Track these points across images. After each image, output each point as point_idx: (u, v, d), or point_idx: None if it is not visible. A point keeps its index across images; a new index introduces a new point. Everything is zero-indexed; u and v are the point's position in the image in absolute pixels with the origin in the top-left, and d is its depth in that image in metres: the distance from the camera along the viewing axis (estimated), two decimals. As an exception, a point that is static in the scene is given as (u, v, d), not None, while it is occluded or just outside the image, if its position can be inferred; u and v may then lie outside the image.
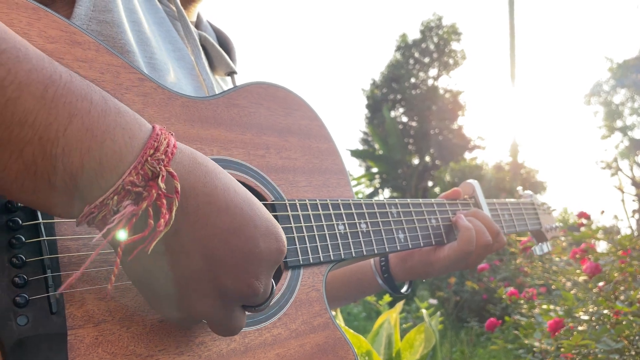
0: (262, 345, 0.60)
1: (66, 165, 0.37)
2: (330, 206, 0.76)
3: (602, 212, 2.75)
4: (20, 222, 0.45)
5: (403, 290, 1.03)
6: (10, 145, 0.36)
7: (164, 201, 0.40)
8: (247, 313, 0.55)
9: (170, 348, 0.52)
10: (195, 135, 0.64)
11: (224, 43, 0.95)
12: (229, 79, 0.93)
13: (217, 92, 0.80)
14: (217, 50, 0.87)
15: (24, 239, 0.45)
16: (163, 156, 0.41)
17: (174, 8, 0.80)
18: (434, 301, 4.33)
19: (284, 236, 0.49)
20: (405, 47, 17.10)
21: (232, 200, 0.45)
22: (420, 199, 0.96)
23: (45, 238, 0.46)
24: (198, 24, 0.91)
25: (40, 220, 0.46)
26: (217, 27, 0.96)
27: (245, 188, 0.48)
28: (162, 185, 0.40)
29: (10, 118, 0.35)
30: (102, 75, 0.57)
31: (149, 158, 0.40)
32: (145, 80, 0.61)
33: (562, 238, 2.18)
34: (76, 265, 0.48)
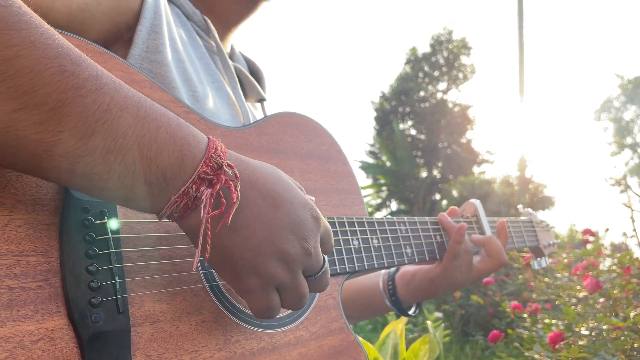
0: (286, 345, 0.68)
1: (158, 164, 0.49)
2: (346, 224, 0.85)
3: (607, 229, 2.79)
4: (95, 236, 0.54)
5: (410, 312, 1.10)
6: (116, 151, 0.47)
7: (231, 183, 0.53)
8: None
9: (211, 345, 0.61)
10: (231, 161, 0.73)
11: (255, 72, 1.05)
12: (259, 104, 1.03)
13: (251, 118, 0.90)
14: (249, 80, 0.97)
15: (97, 251, 0.54)
16: (221, 153, 0.53)
17: (213, 44, 0.90)
18: (439, 314, 4.38)
19: (316, 207, 0.61)
20: (415, 61, 17.22)
21: (270, 186, 0.57)
22: (427, 217, 1.05)
23: (113, 250, 0.55)
24: (232, 55, 1.00)
25: (110, 236, 0.56)
26: (248, 58, 1.06)
27: (282, 175, 0.60)
28: (227, 170, 0.53)
29: (116, 131, 0.47)
30: (154, 109, 0.66)
31: (212, 154, 0.52)
32: (190, 113, 0.70)
33: (564, 255, 2.25)
34: (136, 273, 0.57)
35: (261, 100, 1.01)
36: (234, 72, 0.91)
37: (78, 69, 0.45)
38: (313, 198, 0.66)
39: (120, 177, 0.48)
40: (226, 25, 0.94)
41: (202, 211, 0.51)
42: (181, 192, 0.51)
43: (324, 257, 0.62)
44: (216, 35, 0.89)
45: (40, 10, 0.58)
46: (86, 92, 0.45)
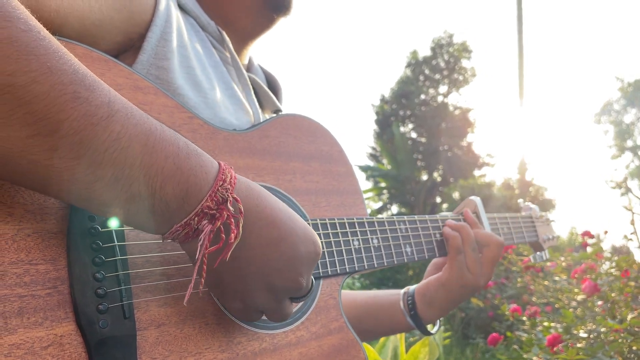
0: (287, 345, 0.70)
1: (162, 195, 0.50)
2: (346, 224, 0.86)
3: (606, 232, 2.80)
4: (101, 244, 0.56)
5: (431, 329, 1.05)
6: (123, 180, 0.48)
7: (232, 220, 0.53)
8: (293, 305, 0.67)
9: (214, 347, 0.62)
10: (234, 165, 0.75)
11: (273, 85, 1.05)
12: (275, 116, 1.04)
13: None
14: (264, 91, 0.98)
15: (104, 258, 0.55)
16: (229, 186, 0.53)
17: (228, 55, 0.90)
18: (439, 317, 4.38)
19: (319, 241, 0.62)
20: (415, 64, 17.22)
21: (277, 216, 0.57)
22: (427, 215, 1.04)
23: (119, 257, 0.57)
24: (249, 67, 1.00)
25: (116, 243, 0.57)
26: (267, 71, 1.06)
27: (286, 206, 0.61)
28: (230, 207, 0.53)
29: (124, 161, 0.47)
30: (159, 115, 0.67)
31: (219, 188, 0.53)
32: (194, 118, 0.71)
33: (563, 258, 2.26)
34: (142, 279, 0.59)
35: (277, 111, 1.01)
36: (249, 82, 0.91)
37: (92, 95, 0.45)
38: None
39: (125, 204, 0.49)
40: (243, 39, 0.94)
41: (199, 249, 0.52)
42: (183, 223, 0.51)
43: (312, 281, 0.64)
44: (231, 47, 0.88)
45: (52, 27, 0.58)
46: (97, 120, 0.45)
